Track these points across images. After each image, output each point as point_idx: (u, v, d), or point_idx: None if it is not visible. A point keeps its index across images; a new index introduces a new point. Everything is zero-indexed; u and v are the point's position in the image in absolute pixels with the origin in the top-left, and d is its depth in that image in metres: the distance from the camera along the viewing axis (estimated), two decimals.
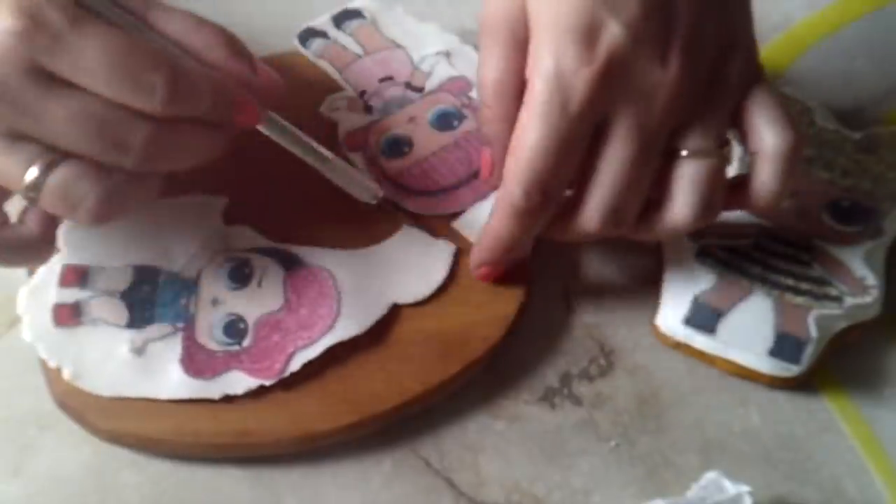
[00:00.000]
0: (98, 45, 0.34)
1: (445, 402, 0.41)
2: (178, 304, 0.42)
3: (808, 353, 0.41)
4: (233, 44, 0.39)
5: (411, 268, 0.43)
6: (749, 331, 0.42)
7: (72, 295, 0.41)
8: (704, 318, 0.42)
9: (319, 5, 0.52)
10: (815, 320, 0.42)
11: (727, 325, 0.42)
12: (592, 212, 0.39)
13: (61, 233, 0.42)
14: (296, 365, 0.40)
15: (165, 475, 0.38)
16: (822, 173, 0.46)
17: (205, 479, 0.38)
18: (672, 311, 0.43)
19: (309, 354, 0.40)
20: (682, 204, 0.39)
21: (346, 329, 0.41)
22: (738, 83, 0.40)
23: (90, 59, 0.34)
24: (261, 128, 0.40)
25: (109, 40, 0.35)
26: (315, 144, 0.42)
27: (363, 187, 0.43)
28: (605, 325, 0.44)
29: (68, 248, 0.42)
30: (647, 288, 0.44)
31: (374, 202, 0.43)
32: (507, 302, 0.43)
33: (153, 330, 0.41)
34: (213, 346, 0.41)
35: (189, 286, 0.42)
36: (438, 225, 0.44)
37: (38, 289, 0.41)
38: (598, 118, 0.38)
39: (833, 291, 0.42)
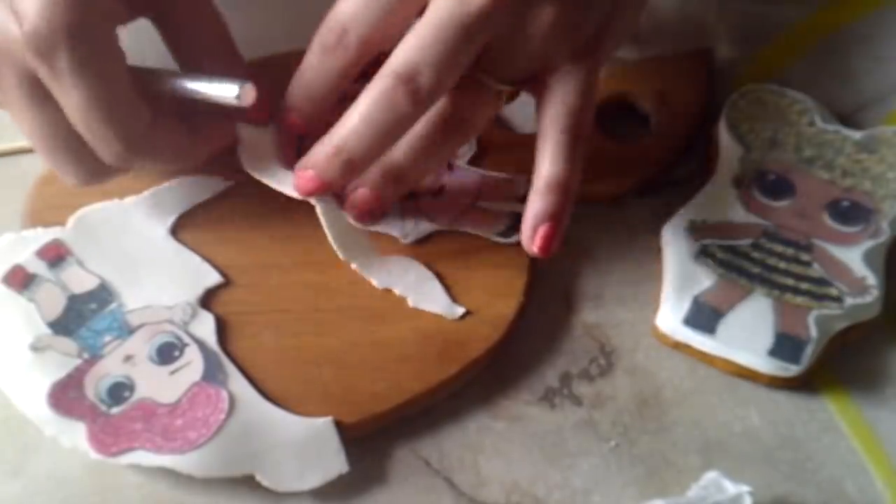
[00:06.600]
0: (81, 86, 0.35)
1: (445, 402, 0.41)
2: (100, 338, 0.40)
3: (808, 353, 0.41)
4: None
5: (291, 456, 0.39)
6: (749, 331, 0.42)
7: (37, 266, 0.42)
8: (704, 318, 0.42)
9: (318, 4, 0.52)
10: (815, 320, 0.42)
11: (727, 326, 0.42)
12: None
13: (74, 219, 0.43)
14: (124, 460, 0.38)
15: (165, 475, 0.38)
16: (822, 173, 0.46)
17: (205, 480, 0.38)
18: (672, 312, 0.42)
19: (141, 460, 0.38)
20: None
21: (190, 462, 0.38)
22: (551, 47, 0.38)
23: (71, 95, 0.36)
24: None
25: (91, 86, 0.35)
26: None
27: (224, 88, 0.39)
28: (605, 325, 0.44)
29: (76, 228, 0.43)
30: (647, 288, 0.44)
31: (241, 103, 0.39)
32: (507, 302, 0.43)
33: (62, 342, 0.40)
34: (89, 392, 0.39)
35: (124, 331, 0.41)
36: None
37: (15, 243, 0.42)
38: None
39: (833, 291, 0.42)
